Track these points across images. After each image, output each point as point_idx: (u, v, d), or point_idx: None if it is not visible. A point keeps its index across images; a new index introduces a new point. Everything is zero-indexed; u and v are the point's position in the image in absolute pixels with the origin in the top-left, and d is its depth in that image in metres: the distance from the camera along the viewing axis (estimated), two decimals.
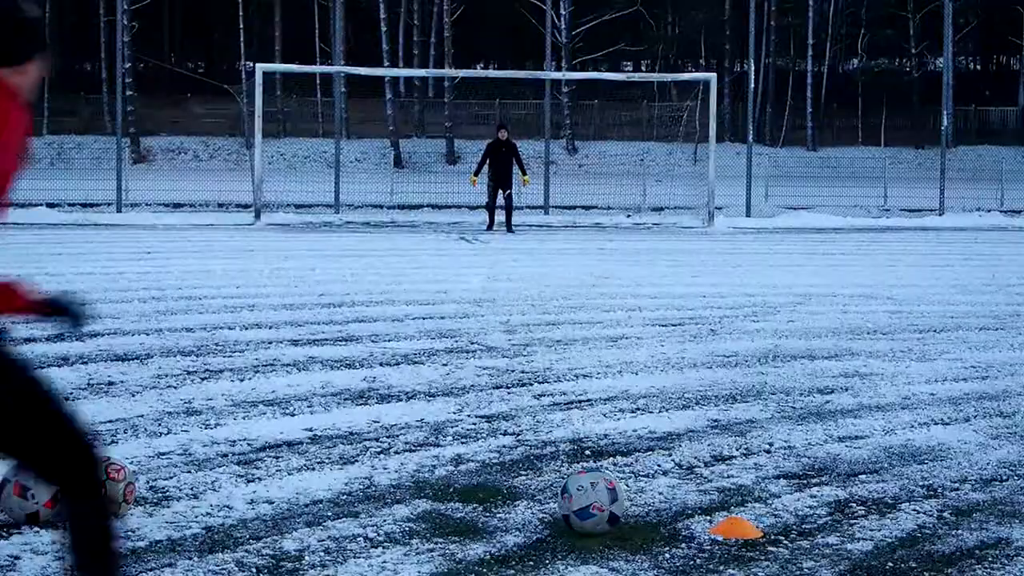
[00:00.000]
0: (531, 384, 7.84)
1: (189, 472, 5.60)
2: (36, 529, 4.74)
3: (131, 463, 5.72)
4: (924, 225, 27.42)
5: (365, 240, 20.51)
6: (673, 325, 10.56)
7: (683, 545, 4.74)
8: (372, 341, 9.44)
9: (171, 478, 5.49)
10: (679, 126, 44.69)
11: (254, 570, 4.37)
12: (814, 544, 4.76)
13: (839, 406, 7.30)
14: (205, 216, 26.61)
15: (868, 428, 6.72)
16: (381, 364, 8.45)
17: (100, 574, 3.47)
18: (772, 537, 4.83)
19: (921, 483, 5.63)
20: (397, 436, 6.38)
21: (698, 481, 5.61)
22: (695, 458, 6.02)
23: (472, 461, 5.90)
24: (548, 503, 5.23)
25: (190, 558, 4.47)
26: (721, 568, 4.49)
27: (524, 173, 23.10)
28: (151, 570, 4.34)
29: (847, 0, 53.43)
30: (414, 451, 6.08)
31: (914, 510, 5.21)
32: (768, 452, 6.16)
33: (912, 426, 6.78)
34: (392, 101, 50.50)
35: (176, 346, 9.05)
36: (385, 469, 5.72)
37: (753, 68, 31.55)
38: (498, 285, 13.49)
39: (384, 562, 4.47)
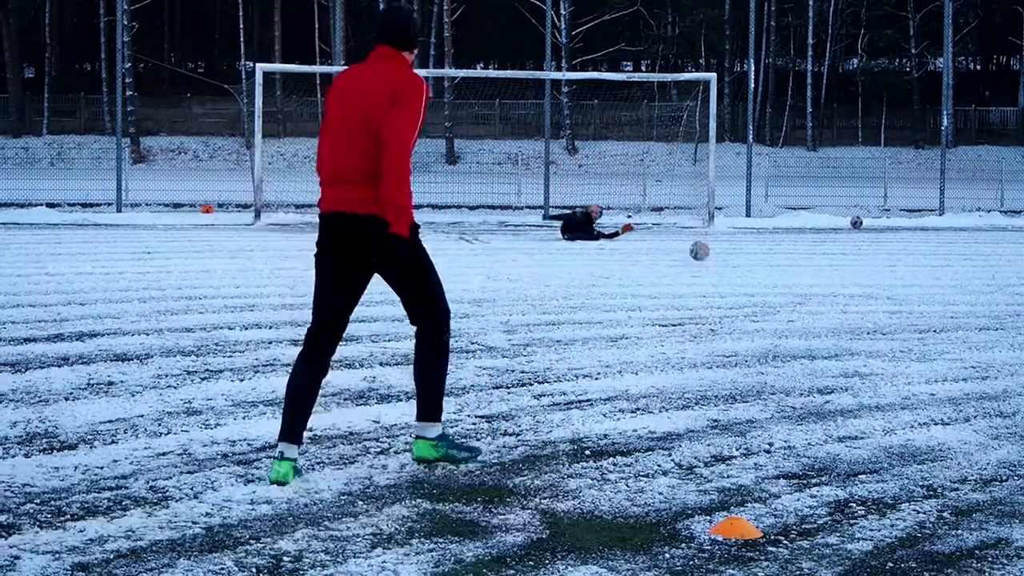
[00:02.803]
0: (531, 384, 7.84)
1: (189, 472, 5.60)
2: (37, 530, 4.74)
3: (131, 463, 5.73)
4: (924, 225, 27.44)
5: None
6: (673, 325, 10.56)
7: (683, 545, 4.74)
8: (372, 341, 9.44)
9: (171, 478, 5.49)
10: (679, 126, 44.68)
11: (254, 570, 4.37)
12: (814, 544, 4.76)
13: (839, 406, 7.30)
14: (205, 216, 26.61)
15: (868, 428, 6.71)
16: (381, 364, 8.45)
17: (431, 392, 5.53)
18: (772, 537, 4.83)
19: (921, 483, 5.63)
20: (397, 436, 6.37)
21: (698, 481, 5.61)
22: (695, 458, 6.02)
23: (472, 461, 5.89)
24: (548, 503, 5.22)
25: (190, 558, 4.46)
26: (721, 568, 4.49)
27: (616, 234, 21.88)
28: (151, 570, 4.34)
29: (847, 0, 53.38)
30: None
31: (914, 510, 5.21)
32: (768, 452, 6.16)
33: (912, 426, 6.78)
34: None
35: (176, 346, 9.05)
36: (385, 469, 5.71)
37: (753, 68, 31.55)
38: (498, 285, 13.49)
39: (384, 562, 4.47)
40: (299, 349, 5.51)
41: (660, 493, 5.41)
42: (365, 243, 5.24)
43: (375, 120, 5.15)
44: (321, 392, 7.44)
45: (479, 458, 5.87)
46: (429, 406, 5.65)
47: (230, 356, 8.68)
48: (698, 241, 8.90)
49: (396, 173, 5.09)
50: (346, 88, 5.29)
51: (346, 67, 5.57)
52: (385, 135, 5.09)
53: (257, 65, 27.83)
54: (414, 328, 5.63)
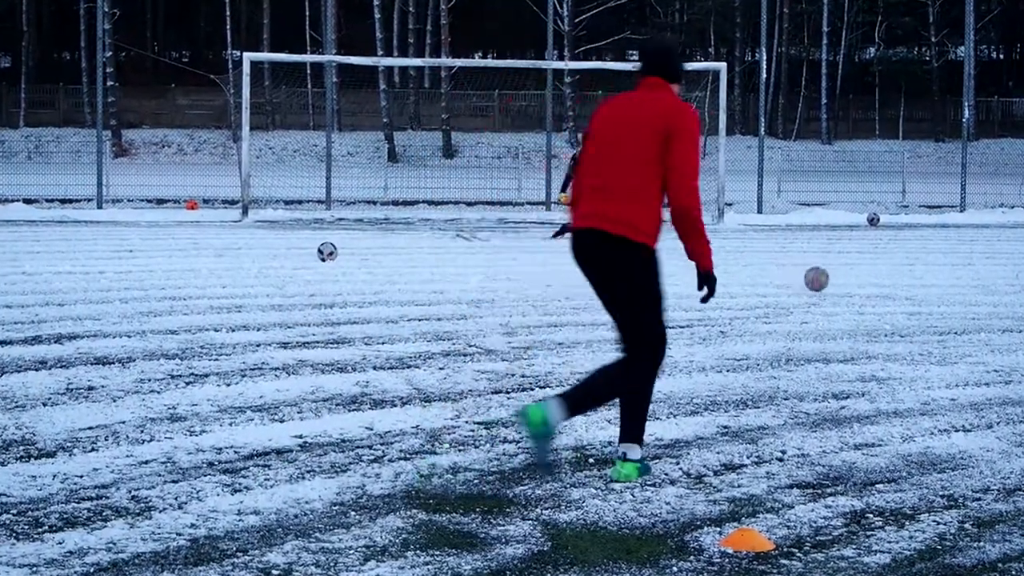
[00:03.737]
0: (532, 389, 7.84)
1: (173, 481, 5.60)
2: (13, 542, 4.74)
3: (112, 472, 5.73)
4: (944, 222, 27.44)
5: (358, 238, 20.52)
6: (681, 327, 10.56)
7: (691, 558, 4.74)
8: (365, 344, 9.44)
9: (154, 487, 5.49)
10: None
11: None
12: (829, 557, 4.76)
13: (855, 412, 7.30)
14: (190, 213, 26.63)
15: (886, 435, 6.72)
16: (375, 368, 8.45)
17: (627, 417, 5.73)
18: (785, 549, 4.83)
19: (941, 493, 5.63)
20: (391, 443, 6.38)
21: (707, 491, 5.61)
22: (704, 466, 6.02)
23: (470, 469, 5.90)
24: (550, 513, 5.23)
25: (174, 571, 4.47)
26: None
27: None
28: None
29: None
30: (409, 459, 6.08)
31: (934, 521, 5.21)
32: (781, 460, 6.16)
33: (932, 433, 6.78)
34: (386, 92, 50.51)
35: (159, 349, 9.05)
36: (379, 478, 5.72)
37: (765, 57, 31.56)
38: (497, 285, 13.50)
39: (378, 575, 4.47)
40: (289, 352, 5.51)
41: (667, 503, 5.41)
42: (611, 259, 5.66)
43: (652, 147, 5.60)
44: (312, 397, 7.47)
45: (477, 466, 5.88)
46: (634, 427, 5.78)
47: (216, 359, 8.68)
48: (817, 267, 8.58)
49: (695, 230, 5.67)
50: (620, 113, 5.76)
51: (613, 96, 5.95)
52: (672, 192, 5.61)
53: (245, 54, 27.84)
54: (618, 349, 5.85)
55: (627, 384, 5.71)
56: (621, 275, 5.63)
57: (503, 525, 5.08)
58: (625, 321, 5.71)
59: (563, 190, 22.58)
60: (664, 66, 5.79)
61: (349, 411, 7.13)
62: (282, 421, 6.84)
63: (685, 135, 5.60)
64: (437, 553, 4.72)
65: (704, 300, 5.82)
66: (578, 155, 22.20)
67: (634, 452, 5.76)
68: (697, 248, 5.70)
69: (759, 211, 28.87)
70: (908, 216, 29.01)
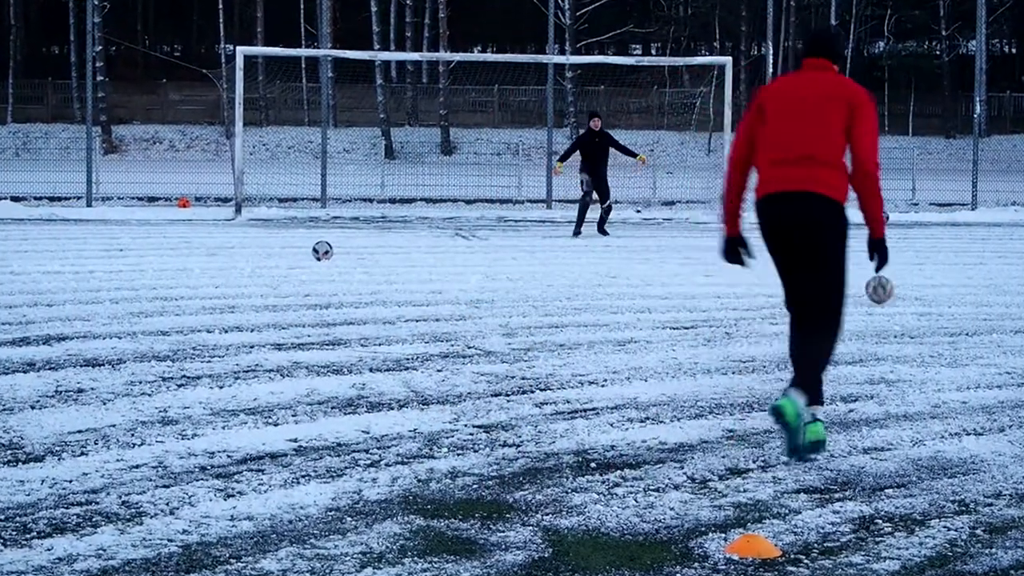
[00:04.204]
0: (532, 391, 7.85)
1: (165, 486, 5.61)
2: (0, 548, 4.74)
3: (102, 476, 5.73)
4: (955, 220, 27.44)
5: (354, 236, 20.52)
6: (685, 328, 10.56)
7: (696, 565, 4.74)
8: (361, 345, 9.45)
9: (145, 492, 5.50)
10: (692, 114, 44.70)
11: None
12: (837, 564, 4.76)
13: (864, 415, 7.30)
14: (182, 211, 26.65)
15: (895, 439, 6.72)
16: (371, 370, 8.46)
17: (810, 379, 6.20)
18: (792, 556, 4.83)
19: (952, 498, 5.64)
20: (388, 447, 6.38)
21: (712, 496, 5.62)
22: (709, 471, 6.02)
23: (469, 474, 5.90)
24: (551, 519, 5.23)
25: None
26: None
27: (634, 155, 21.82)
28: None
29: None
30: (407, 463, 6.08)
31: (944, 527, 5.21)
32: (787, 465, 6.16)
33: (942, 437, 6.79)
34: (383, 87, 50.53)
35: (151, 350, 9.05)
36: (375, 483, 5.72)
37: (771, 51, 31.57)
38: (497, 285, 13.50)
39: None
40: (283, 354, 5.52)
41: (671, 509, 5.41)
42: (818, 219, 6.32)
43: (839, 119, 6.27)
44: (307, 400, 7.47)
45: (477, 471, 5.88)
46: (811, 387, 6.23)
47: (208, 361, 8.68)
48: (880, 278, 8.49)
49: (877, 194, 6.32)
50: (798, 92, 6.40)
51: (776, 80, 6.70)
52: (862, 157, 6.26)
53: (238, 48, 27.84)
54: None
55: (830, 337, 6.33)
56: (826, 233, 6.29)
57: (503, 531, 5.08)
58: (820, 279, 6.33)
59: (561, 160, 22.64)
60: (831, 49, 6.52)
61: (345, 414, 7.13)
62: (276, 424, 6.85)
63: (867, 107, 6.31)
64: (435, 560, 4.72)
65: (877, 269, 6.60)
66: (579, 137, 22.22)
67: (799, 397, 6.14)
68: (875, 213, 6.38)
69: None
70: (918, 214, 29.00)
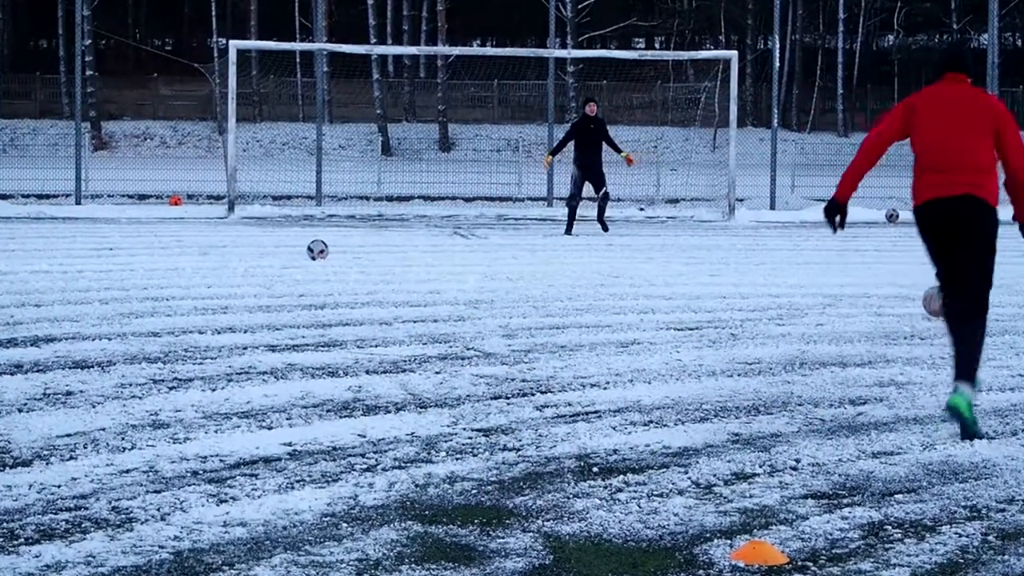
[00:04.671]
0: (533, 394, 7.85)
1: (156, 491, 5.61)
2: None
3: (91, 481, 5.73)
4: None
5: (349, 235, 20.53)
6: (690, 329, 10.57)
7: (701, 572, 4.74)
8: (358, 347, 9.45)
9: (135, 498, 5.50)
10: (696, 109, 44.71)
11: None
12: (845, 571, 4.76)
13: (873, 418, 7.30)
14: (173, 209, 26.66)
15: (905, 443, 6.72)
16: (367, 372, 8.46)
17: (972, 367, 6.98)
18: (799, 563, 4.83)
19: (963, 503, 5.64)
20: (385, 451, 6.38)
21: (717, 501, 5.62)
22: (714, 476, 6.02)
23: (468, 479, 5.90)
24: (552, 525, 5.23)
25: None
26: None
27: (620, 151, 21.57)
28: None
29: None
30: (404, 468, 6.08)
31: (956, 533, 5.21)
32: (795, 469, 6.16)
33: (953, 441, 6.79)
34: (379, 82, 50.54)
35: (141, 352, 9.05)
36: (372, 488, 5.72)
37: (778, 45, 31.56)
38: (496, 285, 13.51)
39: None
40: (277, 355, 5.51)
41: (676, 514, 5.41)
42: (978, 220, 7.11)
43: (989, 129, 7.14)
44: (301, 403, 7.47)
45: (476, 475, 5.88)
46: (973, 372, 6.97)
47: (200, 363, 8.68)
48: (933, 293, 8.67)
49: None
50: (948, 106, 7.22)
51: (922, 92, 7.48)
52: (1015, 165, 7.12)
53: (231, 42, 27.85)
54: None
55: (982, 324, 7.17)
56: (984, 233, 7.09)
57: (503, 537, 5.08)
58: (976, 272, 7.15)
59: (552, 152, 22.79)
60: (967, 64, 7.39)
61: (341, 417, 7.13)
62: (270, 428, 6.85)
63: (1008, 117, 7.21)
64: (433, 567, 4.72)
65: None
66: (572, 124, 22.24)
67: (968, 389, 6.83)
68: None
69: (772, 207, 28.86)
70: None
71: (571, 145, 21.49)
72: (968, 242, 7.14)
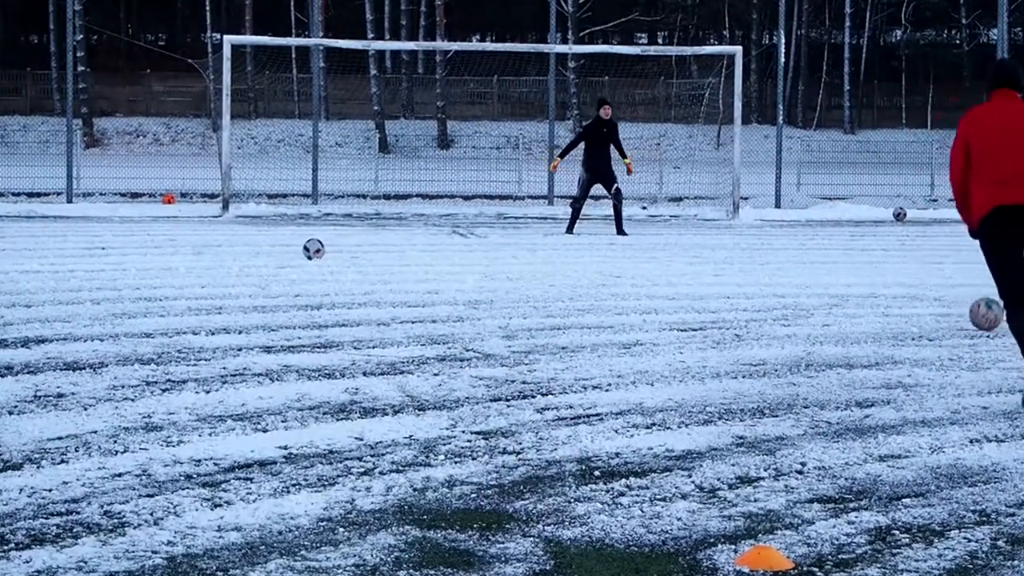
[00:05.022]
0: (533, 396, 7.85)
1: (149, 495, 5.61)
2: None
3: (83, 485, 5.73)
4: None
5: (346, 234, 20.53)
6: (693, 330, 10.57)
7: None
8: (354, 348, 9.45)
9: (128, 502, 5.50)
10: (700, 106, 44.71)
11: None
12: None
13: (880, 421, 7.31)
14: (166, 207, 26.66)
15: (913, 446, 6.72)
16: (365, 374, 8.46)
17: None
18: (805, 568, 4.83)
19: (972, 508, 5.64)
20: (383, 455, 6.38)
21: (721, 505, 5.62)
22: (718, 479, 6.02)
23: (467, 483, 5.90)
24: (553, 530, 5.23)
25: None
26: None
27: (625, 156, 21.45)
28: None
29: None
30: (402, 471, 6.08)
31: (964, 538, 5.21)
32: (800, 473, 6.16)
33: (962, 444, 6.79)
34: (377, 78, 50.54)
35: (134, 353, 9.05)
36: (369, 492, 5.72)
37: (783, 40, 31.58)
38: (496, 285, 13.51)
39: None
40: (272, 357, 5.50)
41: (679, 519, 5.42)
42: None
43: None
44: (297, 405, 7.47)
45: (475, 479, 5.88)
46: None
47: (194, 364, 8.69)
48: (980, 308, 8.90)
49: None
50: (1004, 121, 7.93)
51: (974, 107, 8.19)
52: None
53: (225, 37, 27.83)
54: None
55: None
56: None
57: (502, 542, 5.08)
58: None
59: (561, 155, 22.76)
60: (1017, 80, 8.07)
61: (337, 420, 7.13)
62: (265, 431, 6.85)
63: None
64: (432, 572, 4.72)
65: None
66: (585, 127, 22.17)
67: None
68: None
69: (777, 205, 28.87)
70: (937, 211, 29.00)
71: (580, 147, 21.48)
72: None
